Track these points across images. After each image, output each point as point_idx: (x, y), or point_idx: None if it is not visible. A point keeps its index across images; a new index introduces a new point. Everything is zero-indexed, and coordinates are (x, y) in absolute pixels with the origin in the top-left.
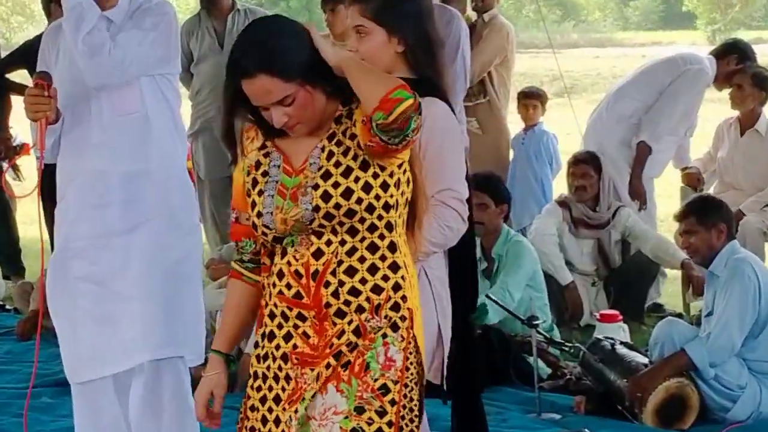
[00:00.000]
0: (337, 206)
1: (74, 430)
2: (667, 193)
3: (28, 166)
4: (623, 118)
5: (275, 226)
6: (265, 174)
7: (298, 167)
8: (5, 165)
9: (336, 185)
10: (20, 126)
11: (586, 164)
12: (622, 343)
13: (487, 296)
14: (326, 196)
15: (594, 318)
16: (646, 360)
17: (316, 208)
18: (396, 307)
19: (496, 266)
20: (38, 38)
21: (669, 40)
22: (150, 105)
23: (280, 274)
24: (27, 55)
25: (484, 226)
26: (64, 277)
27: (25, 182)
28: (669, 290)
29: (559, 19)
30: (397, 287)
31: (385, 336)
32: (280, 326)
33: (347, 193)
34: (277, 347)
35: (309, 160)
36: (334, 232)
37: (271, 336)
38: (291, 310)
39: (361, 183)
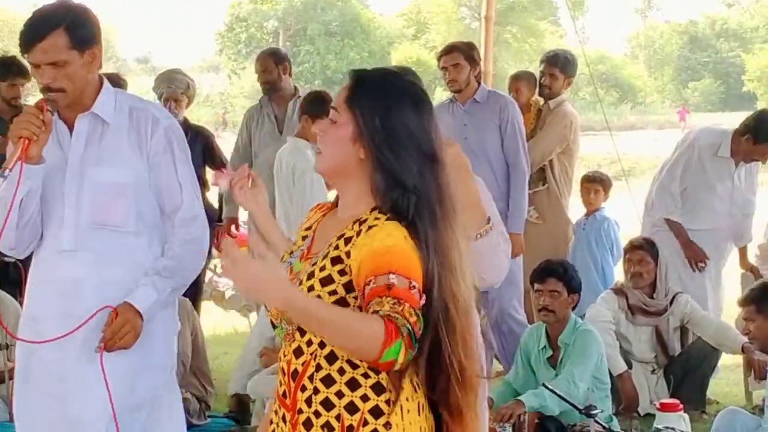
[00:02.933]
0: None
1: None
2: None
3: None
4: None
5: (271, 309)
6: (291, 254)
7: (312, 253)
8: None
9: (310, 289)
10: None
11: (643, 250)
12: None
13: (544, 385)
14: None
15: (654, 407)
16: None
17: None
18: None
19: (561, 354)
20: None
21: (729, 122)
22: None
23: (281, 369)
24: None
25: (554, 314)
26: (31, 389)
27: None
28: (731, 378)
29: (616, 101)
30: (378, 412)
31: None
32: (276, 425)
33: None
34: None
35: (320, 251)
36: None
37: None
38: (280, 409)
39: (334, 297)
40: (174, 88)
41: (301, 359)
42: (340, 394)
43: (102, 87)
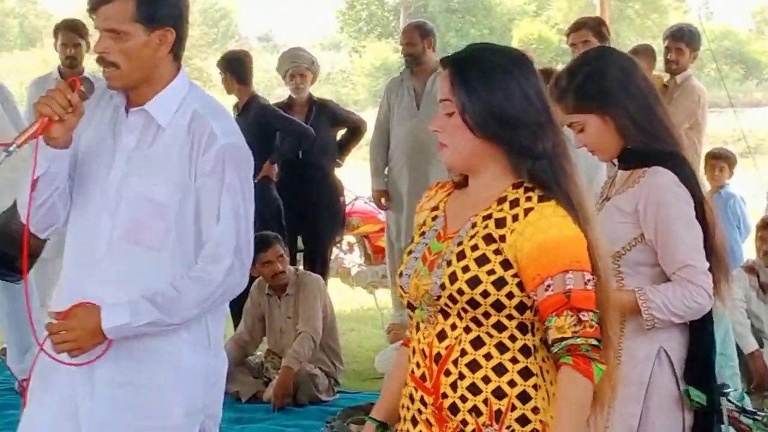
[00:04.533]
0: (460, 292)
1: None
2: None
3: None
4: None
5: (410, 291)
6: (422, 234)
7: (450, 233)
8: None
9: (465, 269)
10: None
11: None
12: None
13: None
14: (453, 278)
15: None
16: None
17: (443, 286)
18: (523, 420)
19: None
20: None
21: None
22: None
23: (413, 351)
24: None
25: None
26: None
27: None
28: None
29: (741, 77)
30: (525, 397)
31: None
32: (407, 408)
33: (473, 282)
34: None
35: (460, 230)
36: (459, 316)
37: (404, 420)
38: (416, 391)
39: (493, 277)
40: (299, 64)
41: (445, 343)
42: (486, 380)
43: (174, 80)
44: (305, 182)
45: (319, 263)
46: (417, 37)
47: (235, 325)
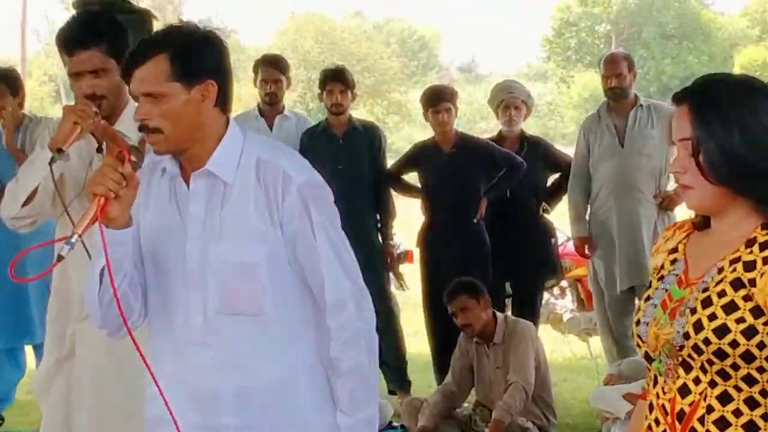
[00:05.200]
0: (706, 342)
1: None
2: None
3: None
4: None
5: (648, 340)
6: (660, 279)
7: (692, 279)
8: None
9: (712, 317)
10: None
11: None
12: None
13: None
14: (698, 326)
15: None
16: None
17: (686, 335)
18: None
19: None
20: (426, 143)
21: None
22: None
23: (651, 406)
24: (417, 157)
25: None
26: None
27: (409, 291)
28: None
29: None
30: None
31: None
32: None
33: (721, 331)
34: None
35: (705, 275)
36: (704, 369)
37: None
38: None
39: (743, 326)
40: (516, 96)
41: (688, 399)
42: None
43: (226, 133)
44: (513, 223)
45: (528, 309)
46: (625, 67)
47: (442, 377)
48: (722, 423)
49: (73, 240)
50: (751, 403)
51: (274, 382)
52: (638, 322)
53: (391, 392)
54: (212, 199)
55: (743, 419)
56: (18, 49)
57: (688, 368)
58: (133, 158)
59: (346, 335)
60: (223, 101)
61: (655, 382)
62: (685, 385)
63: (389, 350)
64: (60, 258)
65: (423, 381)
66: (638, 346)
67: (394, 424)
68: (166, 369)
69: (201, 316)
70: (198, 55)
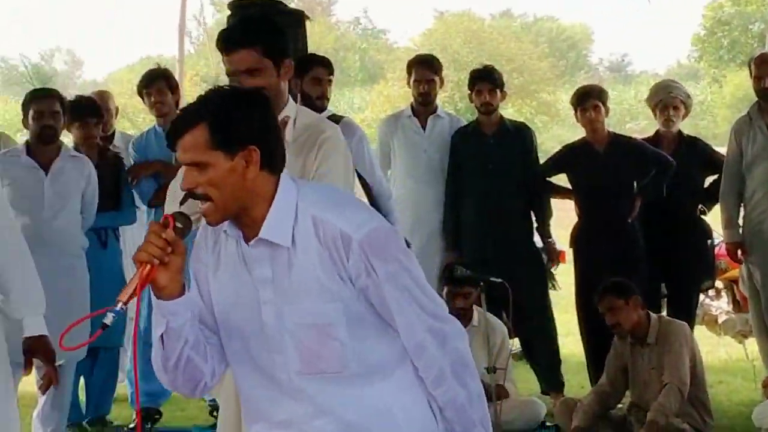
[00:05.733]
0: None
1: None
2: None
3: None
4: None
5: None
6: None
7: None
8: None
9: None
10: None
11: None
12: None
13: None
14: None
15: None
16: None
17: None
18: None
19: None
20: (576, 144)
21: None
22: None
23: None
24: (568, 158)
25: None
26: None
27: (560, 291)
28: None
29: None
30: None
31: None
32: None
33: None
34: None
35: None
36: None
37: None
38: None
39: None
40: (675, 95)
41: None
42: None
43: (276, 193)
44: (670, 224)
45: (684, 310)
46: None
47: (596, 377)
48: None
49: (117, 308)
50: None
51: (372, 416)
52: None
53: (544, 392)
54: (277, 264)
55: None
56: (171, 50)
57: None
58: (178, 224)
59: (433, 374)
60: (270, 162)
61: None
62: None
63: (543, 350)
64: (105, 326)
65: (576, 382)
66: None
67: (548, 423)
68: (264, 413)
69: (285, 378)
70: (238, 122)
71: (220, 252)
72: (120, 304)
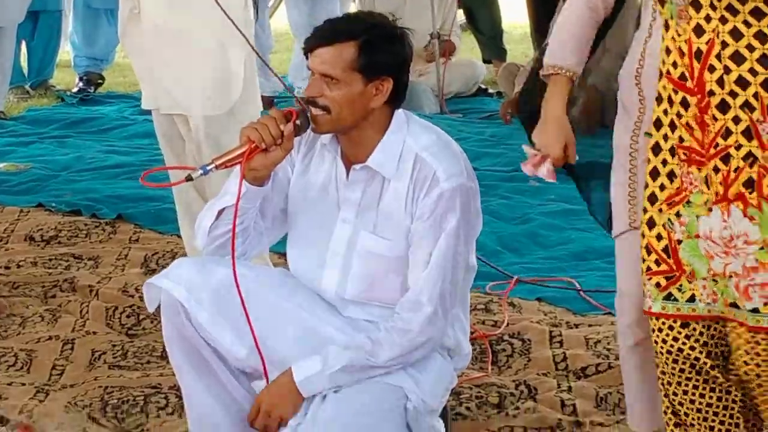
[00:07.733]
0: None
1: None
2: None
3: None
4: None
5: None
6: None
7: None
8: None
9: None
10: None
11: None
12: None
13: None
14: None
15: None
16: None
17: None
18: None
19: None
20: None
21: None
22: None
23: (668, 51)
24: None
25: None
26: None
27: None
28: None
29: None
30: None
31: None
32: (665, 112)
33: None
34: (665, 137)
35: None
36: (713, 6)
37: (658, 123)
38: (676, 93)
39: None
40: None
41: (704, 38)
42: (753, 72)
43: (389, 127)
44: None
45: None
46: None
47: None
48: (737, 57)
49: (208, 168)
50: (761, 37)
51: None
52: None
53: (486, 61)
54: (370, 190)
55: (756, 54)
56: None
57: (698, 8)
58: (298, 122)
59: (403, 325)
60: (395, 96)
61: (667, 27)
62: (698, 25)
63: (485, 17)
64: (189, 178)
65: (519, 51)
66: None
67: (490, 90)
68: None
69: (331, 294)
70: (384, 51)
71: (311, 162)
72: (212, 165)
